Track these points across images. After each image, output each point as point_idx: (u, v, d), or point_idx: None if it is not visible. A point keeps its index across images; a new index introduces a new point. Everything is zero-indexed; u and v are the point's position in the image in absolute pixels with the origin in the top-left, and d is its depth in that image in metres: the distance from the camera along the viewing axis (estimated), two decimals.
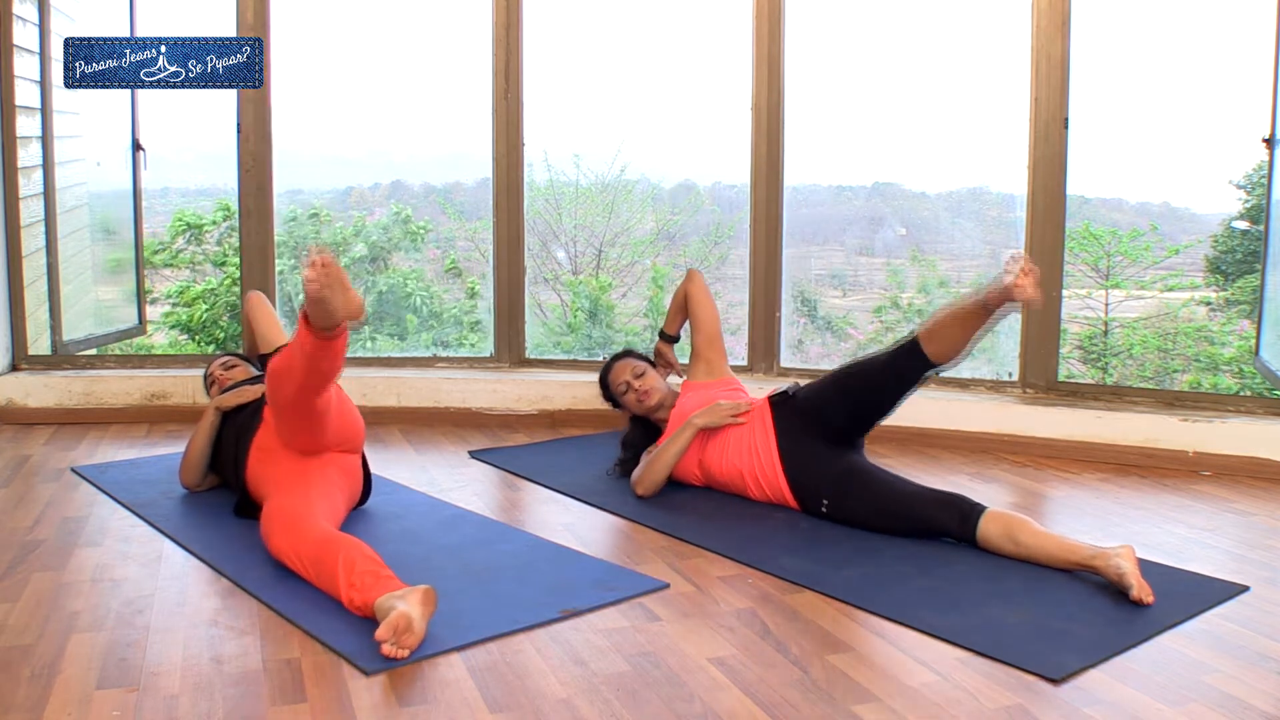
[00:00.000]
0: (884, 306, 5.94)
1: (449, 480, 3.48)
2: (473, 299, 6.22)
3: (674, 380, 3.61)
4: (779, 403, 3.17)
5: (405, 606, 2.12)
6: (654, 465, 3.23)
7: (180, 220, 6.54)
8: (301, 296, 2.46)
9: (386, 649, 2.07)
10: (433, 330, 6.16)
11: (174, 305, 6.46)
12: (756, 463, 3.13)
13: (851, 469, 2.99)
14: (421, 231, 6.43)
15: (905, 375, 2.99)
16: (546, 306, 5.92)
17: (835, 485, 2.98)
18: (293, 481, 2.72)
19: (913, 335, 2.95)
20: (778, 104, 4.28)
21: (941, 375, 3.07)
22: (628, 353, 3.55)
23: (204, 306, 6.30)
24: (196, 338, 6.30)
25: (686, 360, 3.62)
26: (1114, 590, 2.43)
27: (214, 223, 6.53)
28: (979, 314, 2.81)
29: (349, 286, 2.39)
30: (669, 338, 3.64)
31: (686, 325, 3.61)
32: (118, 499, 3.19)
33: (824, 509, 2.99)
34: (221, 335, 6.19)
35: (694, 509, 3.14)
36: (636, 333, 5.89)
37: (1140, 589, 2.38)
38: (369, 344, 5.98)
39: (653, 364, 3.53)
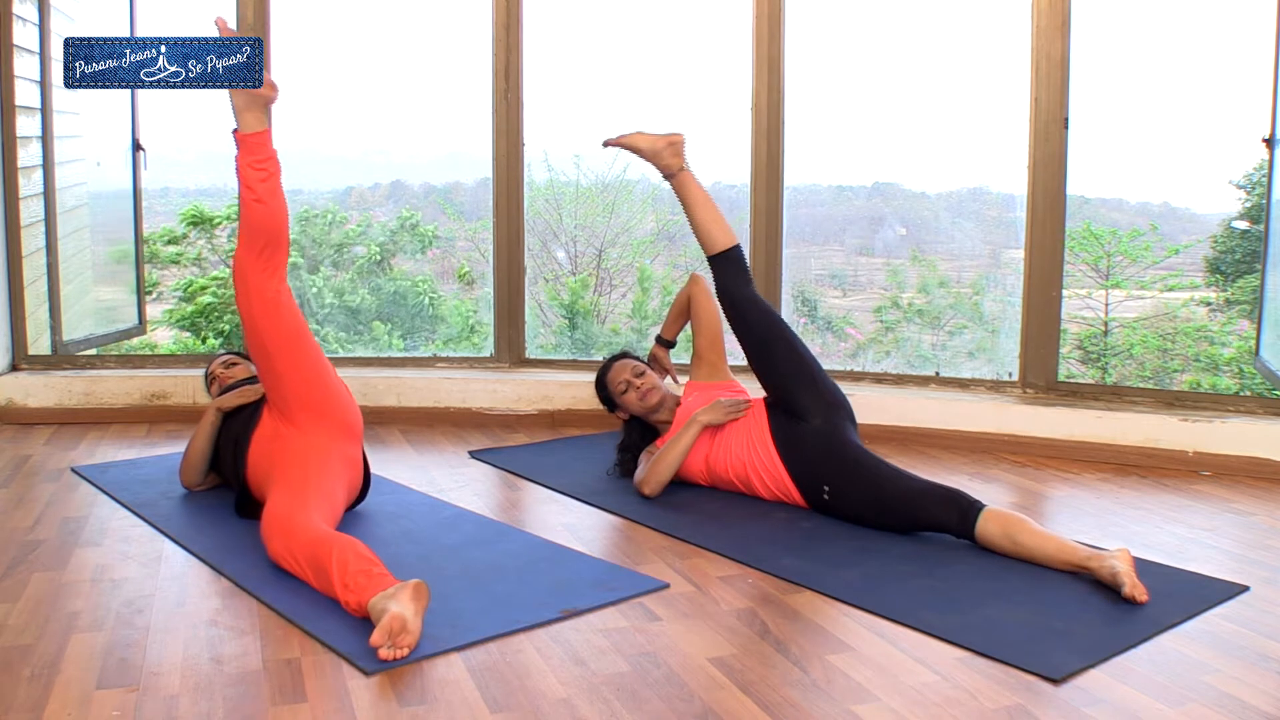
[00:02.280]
0: (884, 306, 5.93)
1: (449, 480, 3.48)
2: (474, 300, 6.23)
3: (669, 384, 3.61)
4: (771, 404, 3.21)
5: (398, 607, 2.11)
6: (659, 464, 3.23)
7: (193, 212, 6.55)
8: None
9: (384, 653, 2.07)
10: (437, 330, 6.17)
11: (179, 301, 6.46)
12: (758, 459, 3.14)
13: (853, 455, 2.99)
14: (429, 236, 6.44)
15: (727, 293, 3.21)
16: (545, 306, 5.91)
17: (836, 471, 2.98)
18: (293, 476, 2.72)
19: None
20: (778, 104, 4.28)
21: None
22: (624, 354, 3.54)
23: (210, 294, 6.31)
24: (202, 333, 6.31)
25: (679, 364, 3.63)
26: (1113, 590, 2.43)
27: (227, 218, 6.54)
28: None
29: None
30: (666, 343, 3.62)
31: (684, 331, 3.61)
32: (118, 499, 3.19)
33: (825, 495, 2.99)
34: (226, 330, 6.20)
35: (694, 508, 3.14)
36: (618, 332, 5.87)
37: (1133, 587, 2.37)
38: (373, 344, 5.98)
39: (649, 365, 3.54)
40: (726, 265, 3.22)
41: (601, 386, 3.48)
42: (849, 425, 3.11)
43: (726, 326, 3.37)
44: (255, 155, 2.69)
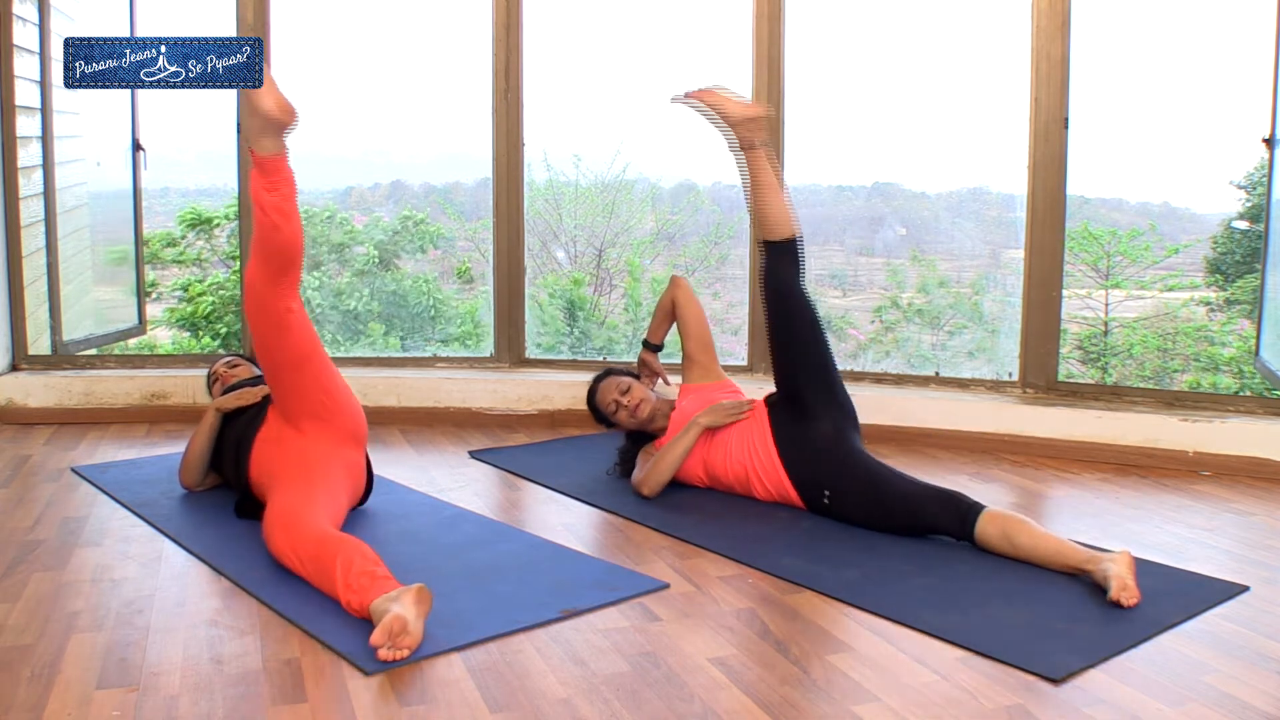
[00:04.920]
0: (884, 306, 5.93)
1: (449, 480, 3.48)
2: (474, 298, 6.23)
3: (663, 388, 3.59)
4: (774, 403, 3.19)
5: (399, 609, 2.12)
6: (659, 466, 3.22)
7: (192, 213, 6.55)
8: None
9: (383, 654, 2.07)
10: (438, 329, 6.17)
11: (179, 301, 6.46)
12: (758, 461, 3.13)
13: (853, 460, 2.99)
14: (433, 234, 6.43)
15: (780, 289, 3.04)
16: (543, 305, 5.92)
17: (837, 476, 2.97)
18: (297, 478, 2.72)
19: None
20: (778, 104, 4.28)
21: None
22: (609, 372, 3.50)
23: (209, 300, 6.31)
24: (201, 334, 6.30)
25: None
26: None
27: (226, 218, 6.53)
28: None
29: (276, 88, 2.57)
30: (653, 347, 3.59)
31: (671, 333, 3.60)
32: (118, 499, 3.19)
33: (826, 499, 2.99)
34: (225, 331, 6.20)
35: (694, 509, 3.14)
36: (615, 326, 5.87)
37: (1120, 590, 2.35)
38: (377, 343, 5.98)
39: (636, 376, 3.50)
40: (783, 255, 3.08)
41: (593, 408, 3.46)
42: (854, 432, 3.11)
43: (720, 327, 3.34)
44: (272, 177, 2.64)
